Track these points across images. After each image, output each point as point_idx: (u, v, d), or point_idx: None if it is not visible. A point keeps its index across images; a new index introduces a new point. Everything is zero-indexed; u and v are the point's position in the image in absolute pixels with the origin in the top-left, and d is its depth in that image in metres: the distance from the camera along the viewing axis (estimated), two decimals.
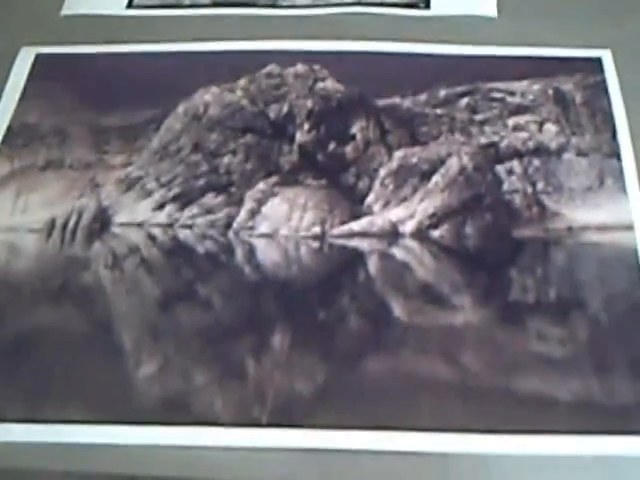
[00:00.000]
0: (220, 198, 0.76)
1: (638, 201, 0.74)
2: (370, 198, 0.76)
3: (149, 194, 0.77)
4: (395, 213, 0.75)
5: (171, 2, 0.94)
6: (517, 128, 0.80)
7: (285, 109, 0.82)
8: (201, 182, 0.77)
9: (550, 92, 0.82)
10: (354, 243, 0.73)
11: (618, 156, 0.77)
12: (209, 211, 0.76)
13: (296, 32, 0.88)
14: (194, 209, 0.76)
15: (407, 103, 0.82)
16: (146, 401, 0.64)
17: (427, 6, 0.91)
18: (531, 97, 0.82)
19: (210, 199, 0.76)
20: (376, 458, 0.62)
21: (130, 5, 0.94)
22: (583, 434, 0.62)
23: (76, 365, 0.66)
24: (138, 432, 0.63)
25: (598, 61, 0.84)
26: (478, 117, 0.81)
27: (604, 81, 0.82)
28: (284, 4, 0.92)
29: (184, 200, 0.76)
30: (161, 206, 0.76)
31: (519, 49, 0.86)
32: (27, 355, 0.67)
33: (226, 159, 0.79)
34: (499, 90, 0.82)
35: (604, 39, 0.86)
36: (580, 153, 0.78)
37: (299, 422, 0.63)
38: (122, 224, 0.75)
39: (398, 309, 0.69)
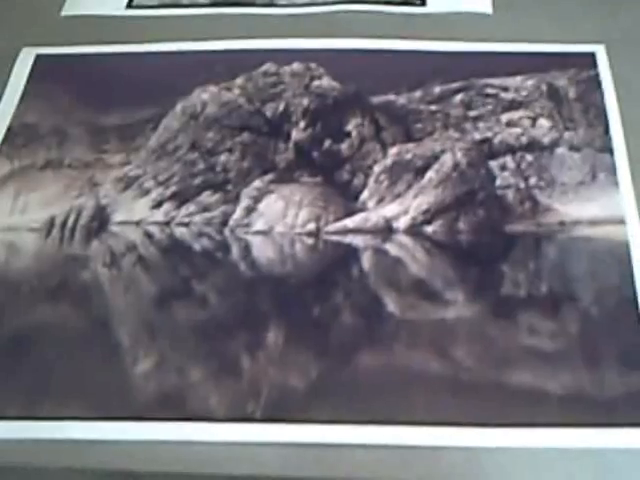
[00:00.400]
0: (216, 196, 0.77)
1: (630, 195, 0.74)
2: (364, 194, 0.76)
3: (147, 193, 0.78)
4: (389, 209, 0.75)
5: (170, 2, 0.94)
6: (510, 124, 0.80)
7: (281, 107, 0.82)
8: (198, 180, 0.78)
9: (544, 87, 0.82)
10: (348, 239, 0.74)
11: (610, 151, 0.77)
12: (206, 209, 0.76)
13: (292, 30, 0.88)
14: (191, 207, 0.76)
15: (402, 100, 0.82)
16: (143, 397, 0.65)
17: (423, 3, 0.92)
18: (525, 93, 0.82)
19: (207, 197, 0.77)
20: (370, 452, 0.62)
21: (130, 5, 0.94)
22: (573, 427, 0.62)
23: (74, 362, 0.67)
24: (135, 428, 0.63)
25: (592, 56, 0.84)
26: (472, 113, 0.81)
27: (597, 76, 0.82)
28: (281, 3, 0.93)
29: (181, 198, 0.77)
30: (159, 204, 0.77)
31: (513, 45, 0.86)
32: (26, 352, 0.68)
33: (223, 157, 0.79)
34: (493, 86, 0.82)
35: (598, 34, 0.86)
36: (573, 148, 0.78)
37: (293, 417, 0.63)
38: (120, 222, 0.76)
39: (392, 304, 0.69)
